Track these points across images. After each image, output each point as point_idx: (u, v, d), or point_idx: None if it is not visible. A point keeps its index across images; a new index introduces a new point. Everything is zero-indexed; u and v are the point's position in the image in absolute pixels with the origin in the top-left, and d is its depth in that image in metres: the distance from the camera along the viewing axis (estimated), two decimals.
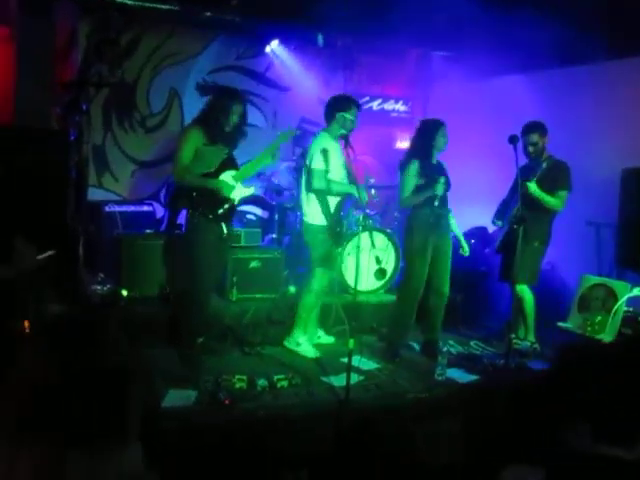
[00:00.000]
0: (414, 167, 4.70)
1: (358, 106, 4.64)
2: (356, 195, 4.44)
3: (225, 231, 4.30)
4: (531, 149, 4.77)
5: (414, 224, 4.78)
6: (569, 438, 1.57)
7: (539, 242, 4.81)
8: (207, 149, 4.23)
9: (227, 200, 4.30)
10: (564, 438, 1.58)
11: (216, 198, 4.27)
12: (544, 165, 4.63)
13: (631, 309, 4.84)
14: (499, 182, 5.26)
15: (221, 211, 4.26)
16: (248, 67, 7.22)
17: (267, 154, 4.44)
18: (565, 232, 4.85)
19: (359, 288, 5.07)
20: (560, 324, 5.07)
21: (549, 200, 4.68)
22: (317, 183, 4.51)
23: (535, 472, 1.57)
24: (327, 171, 4.50)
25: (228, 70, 7.03)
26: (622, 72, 5.67)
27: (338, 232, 4.58)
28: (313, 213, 4.61)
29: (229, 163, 4.35)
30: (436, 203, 4.60)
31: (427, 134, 4.75)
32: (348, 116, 4.55)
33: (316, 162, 4.51)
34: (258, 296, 5.36)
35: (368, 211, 5.72)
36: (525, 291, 4.84)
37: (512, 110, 6.35)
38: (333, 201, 4.58)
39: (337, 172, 4.56)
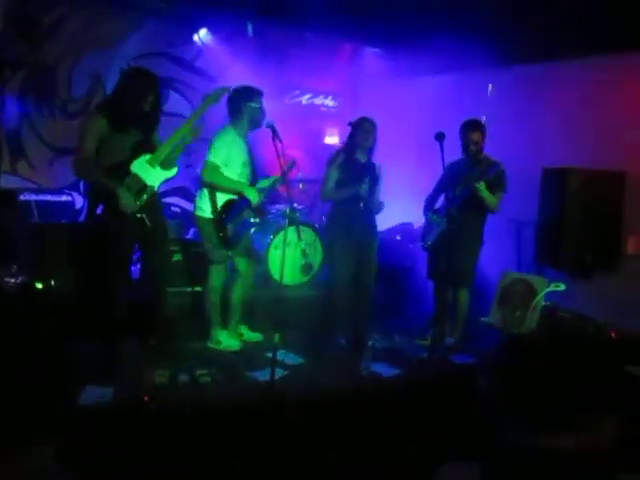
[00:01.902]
0: (337, 160, 4.78)
1: (261, 93, 4.55)
2: (247, 196, 4.43)
3: (148, 223, 4.12)
4: (473, 147, 4.81)
5: (336, 220, 4.82)
6: (506, 432, 1.58)
7: (477, 243, 4.90)
8: (114, 136, 3.97)
9: (144, 189, 4.10)
10: (500, 432, 1.58)
11: (133, 188, 4.08)
12: (495, 169, 4.65)
13: (549, 303, 5.01)
14: (423, 178, 5.33)
15: (138, 202, 4.08)
16: (176, 55, 7.02)
17: (186, 125, 4.20)
18: (487, 229, 4.94)
19: (285, 282, 5.06)
20: (482, 319, 5.19)
21: (492, 202, 4.73)
22: (206, 175, 4.44)
23: (471, 468, 1.57)
24: (219, 166, 4.41)
25: (155, 57, 6.82)
26: (544, 75, 5.85)
27: (221, 235, 4.47)
28: (202, 205, 4.52)
29: (143, 148, 4.13)
30: (361, 205, 4.62)
31: (352, 131, 4.81)
32: (255, 104, 4.47)
33: (211, 155, 4.43)
34: (182, 290, 5.22)
35: (295, 205, 5.67)
36: (463, 294, 4.94)
37: (438, 109, 6.48)
38: (222, 197, 4.49)
39: (234, 169, 4.48)
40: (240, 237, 4.57)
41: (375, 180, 4.81)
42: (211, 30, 6.90)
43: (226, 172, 4.46)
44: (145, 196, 4.09)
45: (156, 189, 4.18)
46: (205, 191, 4.52)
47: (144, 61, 6.66)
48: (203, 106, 4.32)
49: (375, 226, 4.97)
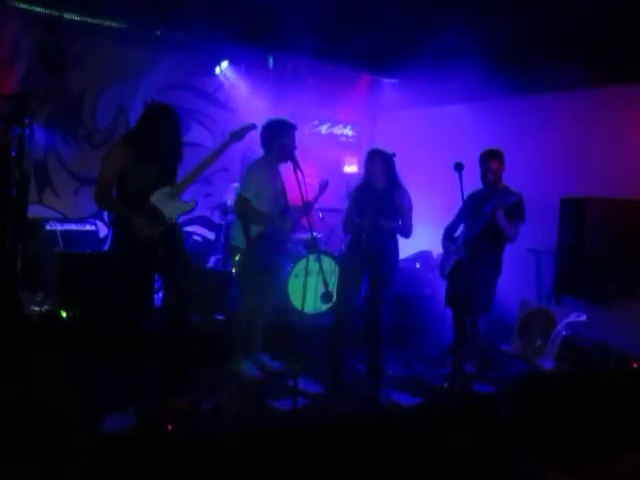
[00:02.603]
0: (353, 194, 4.92)
1: (294, 128, 4.64)
2: (277, 225, 4.57)
3: (162, 254, 4.16)
4: (491, 176, 4.86)
5: (347, 250, 4.96)
6: (522, 464, 1.61)
7: (493, 272, 4.90)
8: (135, 167, 4.06)
9: (162, 220, 4.17)
10: (517, 464, 1.61)
11: (151, 219, 4.16)
12: (513, 198, 4.68)
13: (569, 334, 4.99)
14: (443, 207, 5.36)
15: (155, 233, 4.12)
16: (198, 86, 7.19)
17: (207, 160, 4.29)
18: (507, 258, 4.95)
19: (306, 310, 5.09)
20: (502, 347, 5.17)
21: (510, 231, 4.75)
22: (237, 208, 4.61)
23: None
24: (249, 199, 4.52)
25: (177, 89, 6.98)
26: (560, 105, 5.91)
27: (254, 265, 4.55)
28: (236, 236, 4.69)
29: (164, 180, 4.22)
30: (363, 237, 4.69)
31: (366, 160, 4.88)
32: (286, 140, 4.58)
33: (242, 189, 4.59)
34: (203, 317, 5.28)
35: (315, 234, 5.73)
36: (481, 322, 4.92)
37: (457, 138, 6.54)
38: (257, 229, 4.59)
39: (266, 200, 4.58)
40: (272, 266, 4.64)
41: (396, 208, 4.80)
42: (232, 62, 7.08)
43: (258, 203, 4.55)
44: (162, 227, 4.15)
45: (174, 220, 4.24)
46: (238, 222, 4.66)
47: (167, 93, 6.83)
48: (228, 142, 4.40)
49: (393, 256, 4.91)
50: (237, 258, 4.65)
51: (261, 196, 4.57)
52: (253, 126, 4.53)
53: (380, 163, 4.77)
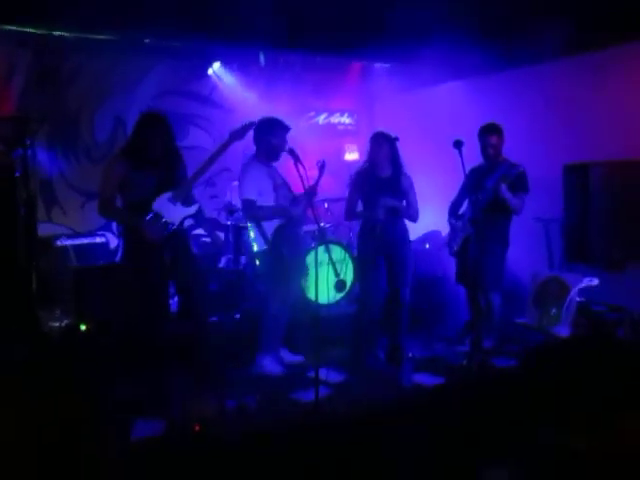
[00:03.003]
0: (356, 182, 4.90)
1: (284, 128, 4.64)
2: (290, 214, 4.59)
3: (168, 259, 4.22)
4: (491, 151, 4.86)
5: (363, 237, 4.92)
6: (540, 431, 1.63)
7: (502, 246, 4.92)
8: (135, 176, 4.13)
9: (166, 226, 4.21)
10: (534, 433, 1.64)
11: (157, 225, 4.20)
12: (516, 170, 4.67)
13: (583, 299, 4.99)
14: (447, 185, 5.37)
15: (160, 241, 4.17)
16: (192, 90, 7.23)
17: (208, 162, 4.34)
18: (514, 230, 4.95)
19: (320, 301, 5.13)
20: (518, 320, 5.19)
21: (515, 203, 4.77)
22: (247, 213, 4.65)
23: (513, 470, 1.62)
24: (254, 200, 4.55)
25: (172, 94, 7.03)
26: (555, 73, 5.89)
27: (282, 256, 4.58)
28: (255, 240, 4.72)
29: (164, 186, 4.26)
30: (378, 225, 4.72)
31: (368, 148, 4.87)
32: (273, 139, 4.59)
33: (244, 192, 4.59)
34: (221, 317, 5.33)
35: (322, 224, 5.76)
36: (495, 297, 4.94)
37: (455, 116, 6.52)
38: (270, 225, 4.62)
39: (269, 195, 4.61)
40: (294, 259, 4.67)
41: (401, 193, 4.83)
42: (224, 63, 7.10)
43: (263, 200, 4.59)
44: (166, 232, 4.21)
45: (177, 225, 4.29)
46: (252, 225, 4.70)
47: (162, 100, 6.87)
48: (228, 142, 4.43)
49: (405, 238, 4.95)
50: (259, 262, 4.69)
51: (264, 192, 4.60)
52: (252, 124, 4.56)
53: (386, 147, 4.77)
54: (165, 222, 4.20)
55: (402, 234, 4.92)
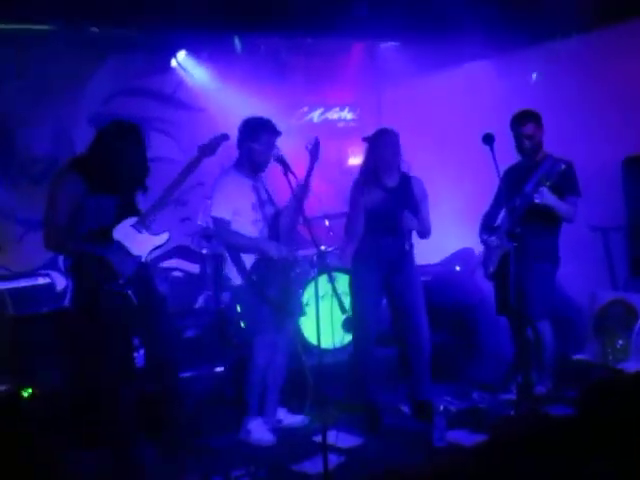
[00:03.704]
0: (357, 192, 4.93)
1: (270, 131, 4.67)
2: (266, 252, 4.58)
3: (135, 301, 4.24)
4: (527, 144, 4.91)
5: (361, 258, 4.96)
6: None
7: (550, 263, 4.94)
8: (92, 200, 4.13)
9: (131, 259, 4.27)
10: None
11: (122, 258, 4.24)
12: (559, 167, 4.70)
13: None
14: (477, 192, 5.41)
15: (125, 280, 4.19)
16: (152, 88, 7.33)
17: (177, 183, 4.37)
18: (564, 243, 4.99)
19: (324, 345, 5.13)
20: (576, 356, 5.20)
21: (564, 209, 4.79)
22: (218, 236, 4.73)
23: None
24: (228, 220, 4.59)
25: (127, 95, 7.11)
26: (611, 42, 5.92)
27: (264, 295, 4.60)
28: (230, 272, 4.74)
29: (127, 211, 4.28)
30: (407, 247, 4.80)
31: (369, 149, 4.94)
32: (257, 146, 4.64)
33: (214, 208, 4.63)
34: (200, 372, 5.37)
35: (323, 247, 5.79)
36: (545, 328, 4.95)
37: (482, 104, 6.59)
38: (248, 258, 4.65)
39: (246, 216, 4.64)
40: (282, 301, 4.69)
41: (413, 202, 4.90)
42: (191, 52, 7.18)
43: (238, 222, 4.62)
44: (132, 267, 4.22)
45: (144, 258, 4.32)
46: (227, 254, 4.74)
47: (115, 102, 6.95)
48: (197, 158, 4.46)
49: (413, 257, 5.01)
50: (238, 301, 4.72)
51: (241, 211, 4.63)
52: (224, 137, 4.62)
53: (396, 147, 4.85)
54: (128, 255, 4.24)
55: (412, 253, 4.98)
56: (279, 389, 4.92)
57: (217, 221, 4.63)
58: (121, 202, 4.25)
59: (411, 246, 4.97)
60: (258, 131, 4.66)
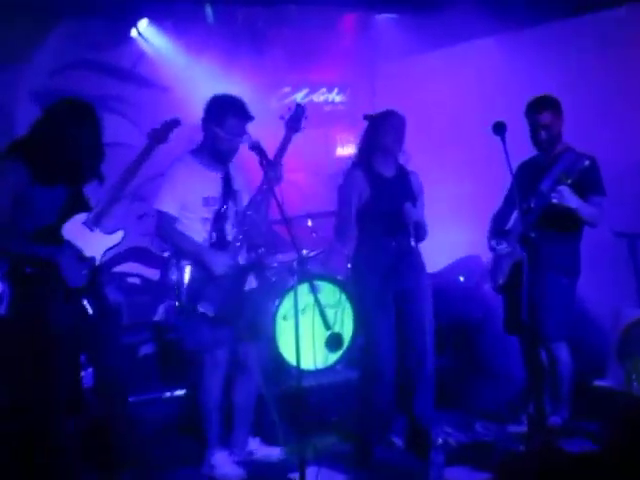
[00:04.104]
0: (354, 179, 4.88)
1: (239, 115, 4.54)
2: (208, 265, 4.50)
3: (90, 311, 4.20)
4: (544, 135, 4.90)
5: (365, 264, 4.91)
6: None
7: (569, 274, 4.94)
8: (36, 191, 4.07)
9: (83, 262, 4.22)
10: None
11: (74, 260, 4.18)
12: (582, 162, 4.67)
13: None
14: (485, 190, 5.40)
15: (79, 281, 4.15)
16: (108, 61, 7.27)
17: (130, 174, 4.31)
18: (587, 250, 4.98)
19: (306, 366, 5.10)
20: (596, 382, 5.19)
21: (589, 213, 4.77)
22: (158, 231, 4.65)
23: None
24: (173, 216, 4.55)
25: (78, 68, 7.04)
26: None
27: (202, 313, 4.53)
28: (170, 273, 4.69)
29: (77, 205, 4.22)
30: (413, 243, 4.74)
31: (369, 130, 4.93)
32: (221, 132, 4.54)
33: (159, 200, 4.58)
34: (157, 395, 5.33)
35: (305, 252, 5.76)
36: (561, 350, 4.94)
37: (493, 86, 6.58)
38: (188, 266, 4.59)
39: (196, 212, 4.59)
40: (232, 311, 4.64)
41: (412, 198, 4.89)
42: (154, 20, 7.14)
43: (185, 220, 4.57)
44: (84, 271, 4.18)
45: (98, 261, 4.27)
46: (169, 253, 4.71)
47: (63, 77, 6.89)
48: (149, 146, 4.43)
49: (423, 267, 5.02)
50: (180, 305, 4.65)
51: (190, 206, 4.56)
52: (175, 123, 4.56)
53: (400, 134, 4.85)
54: (81, 257, 4.19)
55: (418, 261, 4.96)
56: (249, 416, 4.90)
57: (161, 216, 4.56)
58: (71, 194, 4.21)
59: (417, 246, 4.95)
60: (224, 113, 4.54)
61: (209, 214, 4.60)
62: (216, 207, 4.62)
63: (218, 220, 4.63)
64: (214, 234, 4.62)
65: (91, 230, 4.22)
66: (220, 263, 4.53)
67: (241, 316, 4.67)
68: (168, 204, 4.55)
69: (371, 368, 4.98)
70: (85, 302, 4.20)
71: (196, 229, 4.58)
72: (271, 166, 4.36)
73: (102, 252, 4.29)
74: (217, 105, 4.59)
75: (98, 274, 4.37)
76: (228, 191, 4.69)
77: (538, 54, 6.39)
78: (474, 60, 7.05)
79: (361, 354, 5.29)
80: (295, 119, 4.66)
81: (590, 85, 5.96)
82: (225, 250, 4.57)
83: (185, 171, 4.61)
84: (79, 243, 4.17)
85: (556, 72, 6.03)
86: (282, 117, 4.66)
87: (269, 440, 5.07)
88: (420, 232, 4.89)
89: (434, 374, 4.96)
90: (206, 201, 4.60)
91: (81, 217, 4.20)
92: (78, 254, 4.16)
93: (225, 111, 4.54)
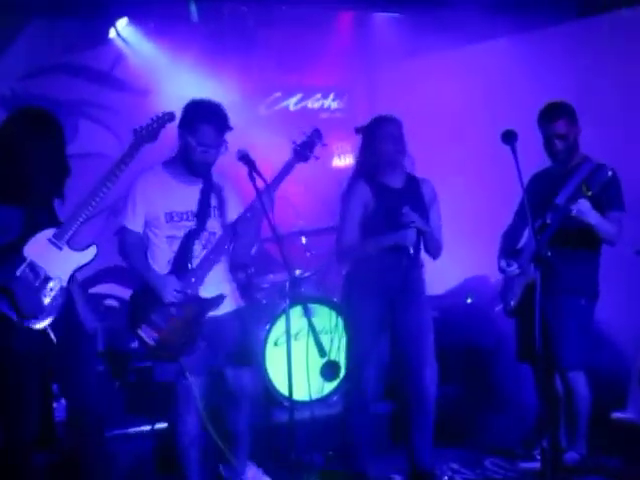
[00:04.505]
0: (357, 192, 4.89)
1: (218, 123, 4.48)
2: (159, 294, 4.47)
3: (54, 338, 4.17)
4: (559, 145, 4.90)
5: (360, 284, 4.91)
6: None
7: (587, 297, 4.93)
8: None
9: (47, 283, 4.20)
10: None
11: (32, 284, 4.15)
12: (602, 175, 4.64)
13: None
14: (497, 203, 5.40)
15: (38, 307, 4.12)
16: (85, 63, 7.30)
17: (107, 181, 4.20)
18: (606, 271, 4.99)
19: (299, 397, 5.10)
20: (616, 415, 5.19)
21: (607, 229, 4.78)
22: (119, 249, 4.62)
23: None
24: (137, 232, 4.54)
25: (52, 72, 7.06)
26: None
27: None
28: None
29: (42, 220, 4.18)
30: (411, 251, 4.74)
31: (364, 142, 4.96)
32: (192, 141, 4.46)
33: (125, 216, 4.55)
34: (138, 430, 5.32)
35: (298, 272, 5.77)
36: (578, 379, 4.93)
37: (502, 92, 6.60)
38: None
39: (161, 229, 4.55)
40: (185, 341, 4.63)
41: (423, 209, 4.89)
42: (135, 20, 7.17)
43: (153, 238, 4.56)
44: (49, 295, 4.16)
45: (65, 282, 4.24)
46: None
47: (35, 81, 6.88)
48: (134, 146, 4.37)
49: (424, 286, 5.03)
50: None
51: (152, 223, 4.54)
52: (169, 117, 4.52)
53: (399, 140, 4.86)
54: (46, 278, 4.17)
55: (420, 279, 4.97)
56: (247, 443, 4.84)
57: (124, 232, 4.56)
58: (32, 210, 4.19)
59: (421, 265, 4.96)
60: (197, 121, 4.46)
61: (178, 231, 4.54)
62: (187, 224, 4.56)
63: (187, 239, 4.56)
64: (177, 255, 4.56)
65: (59, 248, 4.20)
66: (169, 290, 4.48)
67: (222, 342, 4.64)
68: (130, 219, 4.52)
69: (353, 396, 5.01)
70: (48, 328, 4.13)
71: (162, 248, 4.55)
72: (266, 191, 4.32)
73: (70, 271, 4.23)
74: (191, 111, 4.51)
75: (66, 297, 4.33)
76: (202, 207, 4.62)
77: (546, 56, 6.42)
78: (479, 63, 7.06)
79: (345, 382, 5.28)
80: (308, 146, 4.63)
81: (607, 92, 5.97)
82: (184, 275, 4.50)
83: (151, 183, 4.56)
84: (43, 263, 4.13)
85: (571, 77, 6.05)
86: (294, 142, 4.60)
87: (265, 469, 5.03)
88: (429, 244, 4.88)
89: (435, 405, 4.93)
90: (169, 217, 4.53)
91: (48, 233, 4.20)
92: (41, 276, 4.15)
93: (199, 118, 4.46)
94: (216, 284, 4.58)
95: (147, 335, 4.50)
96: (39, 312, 4.10)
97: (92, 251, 4.28)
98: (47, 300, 4.14)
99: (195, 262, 4.52)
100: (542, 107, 4.98)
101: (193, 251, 4.53)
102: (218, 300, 4.53)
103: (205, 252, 4.53)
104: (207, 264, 4.52)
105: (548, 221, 4.81)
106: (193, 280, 4.48)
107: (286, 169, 4.60)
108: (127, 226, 4.53)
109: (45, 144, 4.19)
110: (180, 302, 4.46)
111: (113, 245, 4.65)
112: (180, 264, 4.53)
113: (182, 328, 4.52)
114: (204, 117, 4.44)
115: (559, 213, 4.76)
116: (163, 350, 4.52)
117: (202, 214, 4.59)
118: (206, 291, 4.53)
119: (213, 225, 4.59)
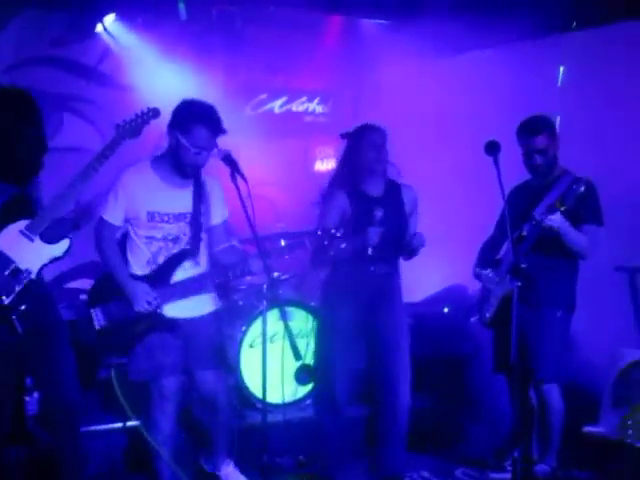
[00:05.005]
0: (334, 200, 4.93)
1: (210, 127, 4.43)
2: (131, 300, 4.45)
3: (20, 331, 4.14)
4: (539, 159, 4.92)
5: (336, 292, 4.96)
6: None
7: (563, 309, 4.95)
8: None
9: (17, 275, 4.17)
10: None
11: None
12: (578, 188, 4.68)
13: None
14: (473, 216, 5.41)
15: (7, 301, 4.10)
16: (70, 57, 7.25)
17: (86, 174, 4.18)
18: (585, 284, 5.01)
19: (272, 400, 5.09)
20: (587, 428, 5.20)
21: (580, 241, 4.80)
22: (95, 241, 4.57)
23: None
24: (115, 226, 4.52)
25: (37, 64, 7.03)
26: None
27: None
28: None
29: (15, 211, 4.17)
30: (369, 251, 4.73)
31: (348, 148, 4.98)
32: (184, 140, 4.42)
33: (106, 209, 4.51)
34: (110, 427, 5.30)
35: (276, 274, 5.75)
36: (552, 393, 4.94)
37: (490, 102, 6.61)
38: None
39: (141, 229, 4.53)
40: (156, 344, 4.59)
41: (399, 215, 4.93)
42: (122, 16, 7.13)
43: (133, 236, 4.55)
44: (18, 287, 4.13)
45: (35, 274, 4.22)
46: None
47: (20, 72, 6.85)
48: (116, 140, 4.34)
49: (401, 293, 5.05)
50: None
51: (133, 220, 4.52)
52: (154, 113, 4.48)
53: (382, 149, 4.87)
54: (15, 270, 4.15)
55: (397, 286, 5.00)
56: (226, 441, 4.86)
57: (101, 224, 4.52)
58: (7, 199, 4.16)
59: (398, 275, 4.98)
60: (192, 121, 4.41)
61: (157, 232, 4.52)
62: (167, 226, 4.53)
63: (167, 242, 4.56)
64: (156, 259, 4.56)
65: (30, 240, 4.16)
66: (140, 300, 4.45)
67: (200, 343, 4.62)
68: (110, 211, 4.48)
69: (323, 400, 5.11)
70: (14, 318, 4.09)
71: (141, 248, 4.54)
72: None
73: (41, 263, 4.20)
74: (185, 111, 4.47)
75: (39, 287, 4.30)
76: (194, 213, 4.59)
77: (532, 67, 6.44)
78: (465, 72, 7.08)
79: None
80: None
81: (584, 104, 6.00)
82: (161, 286, 4.49)
83: (137, 179, 4.52)
84: (13, 254, 4.10)
85: (551, 87, 6.08)
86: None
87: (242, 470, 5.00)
88: (407, 249, 4.90)
89: (408, 413, 4.94)
90: (151, 216, 4.50)
91: (20, 224, 4.15)
92: (10, 267, 4.12)
93: (194, 119, 4.41)
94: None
95: (97, 318, 4.52)
96: (5, 294, 4.08)
97: (64, 245, 4.24)
98: (16, 290, 4.12)
99: (178, 276, 4.53)
100: (521, 121, 4.98)
101: (180, 267, 4.54)
102: (176, 324, 4.55)
103: (190, 277, 4.54)
104: (188, 292, 4.54)
105: (524, 233, 4.82)
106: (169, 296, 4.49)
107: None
108: (105, 218, 4.49)
109: (20, 125, 4.15)
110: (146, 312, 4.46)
111: (90, 241, 4.61)
112: (161, 275, 4.52)
113: (130, 331, 4.53)
114: (199, 119, 4.41)
115: (534, 225, 4.77)
116: (101, 338, 4.54)
117: (187, 216, 4.57)
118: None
119: (200, 227, 4.59)
